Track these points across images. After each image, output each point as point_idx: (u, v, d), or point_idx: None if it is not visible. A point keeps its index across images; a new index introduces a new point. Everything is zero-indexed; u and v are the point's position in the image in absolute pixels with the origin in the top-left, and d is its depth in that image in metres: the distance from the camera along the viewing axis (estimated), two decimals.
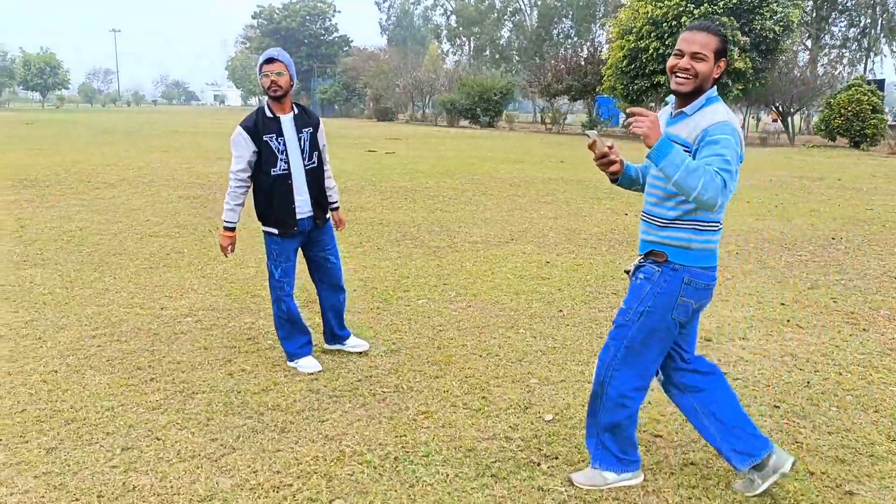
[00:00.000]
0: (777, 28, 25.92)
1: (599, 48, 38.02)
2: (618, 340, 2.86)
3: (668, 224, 2.75)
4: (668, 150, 2.48)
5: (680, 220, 2.73)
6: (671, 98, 2.82)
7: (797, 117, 32.81)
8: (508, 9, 65.62)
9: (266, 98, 4.06)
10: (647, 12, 26.79)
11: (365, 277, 6.46)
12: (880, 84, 30.37)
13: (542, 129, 41.78)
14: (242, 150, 4.01)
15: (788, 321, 5.27)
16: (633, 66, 28.16)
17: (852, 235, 8.68)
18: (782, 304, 5.72)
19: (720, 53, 2.67)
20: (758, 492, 2.85)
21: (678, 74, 2.70)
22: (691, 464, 3.15)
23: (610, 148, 2.83)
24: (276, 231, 4.11)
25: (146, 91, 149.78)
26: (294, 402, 3.75)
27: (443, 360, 4.39)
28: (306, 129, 4.13)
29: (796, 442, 3.39)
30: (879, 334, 5.03)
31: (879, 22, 42.78)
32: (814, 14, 40.81)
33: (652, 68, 27.44)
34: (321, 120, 4.33)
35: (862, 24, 43.15)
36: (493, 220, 9.53)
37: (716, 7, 25.71)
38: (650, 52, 26.95)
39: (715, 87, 2.73)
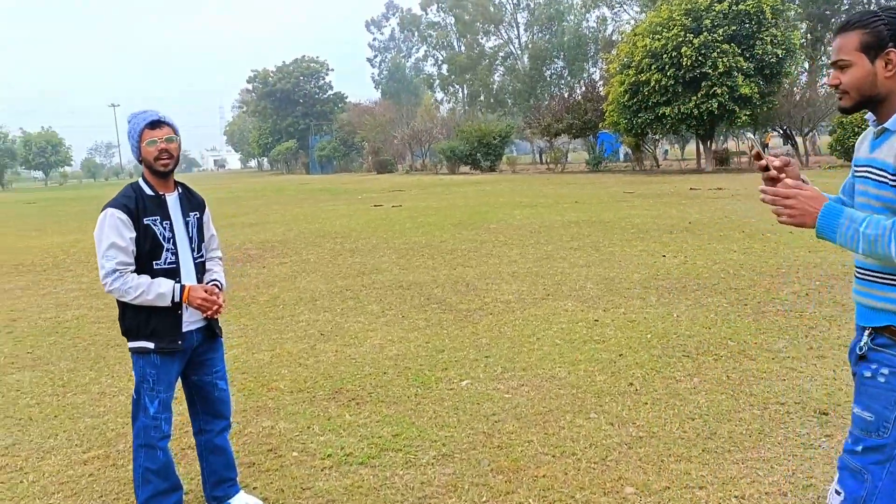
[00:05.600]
0: (779, 51, 25.53)
1: (596, 85, 37.80)
2: (878, 465, 2.04)
3: None
4: (834, 223, 1.98)
5: None
6: (870, 115, 2.14)
7: (801, 139, 32.28)
8: (500, 54, 65.99)
9: (144, 172, 3.11)
10: (646, 45, 26.47)
11: (395, 355, 5.68)
12: None
13: (543, 169, 41.37)
14: (118, 237, 2.96)
15: None
16: (634, 99, 27.74)
17: None
18: None
19: (873, 46, 1.99)
20: None
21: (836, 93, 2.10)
22: None
23: (778, 168, 2.07)
24: (152, 346, 3.04)
25: None
26: None
27: (509, 465, 3.58)
28: (193, 214, 3.21)
29: None
30: None
31: None
32: (808, 36, 40.65)
33: (655, 100, 27.01)
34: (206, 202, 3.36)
35: None
36: (521, 273, 8.77)
37: (715, 35, 25.38)
38: (652, 84, 26.55)
39: None
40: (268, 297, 8.22)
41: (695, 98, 26.11)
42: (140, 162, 3.11)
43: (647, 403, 4.30)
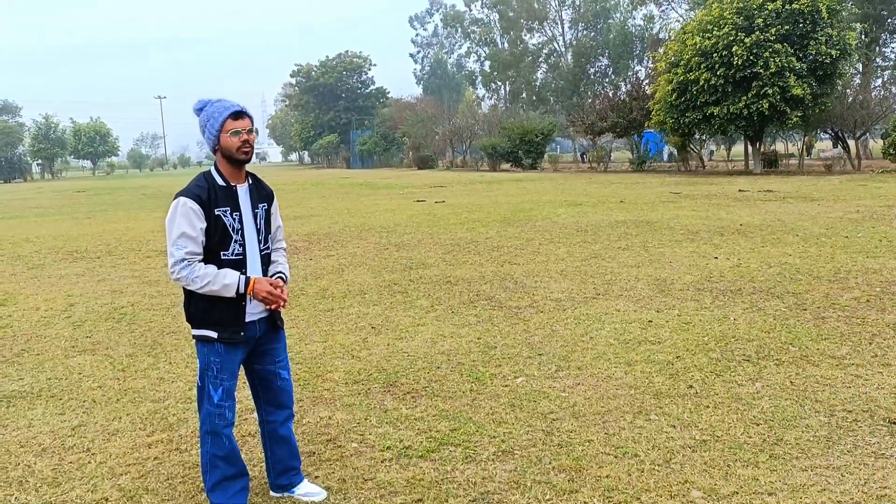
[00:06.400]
0: (833, 52, 24.85)
1: (642, 83, 37.30)
2: None
3: None
4: None
5: None
6: None
7: (852, 142, 31.40)
8: (543, 51, 65.55)
9: (217, 162, 3.13)
10: (696, 43, 26.00)
11: (447, 350, 5.68)
12: None
13: (584, 168, 41.00)
14: (189, 226, 2.98)
15: None
16: (682, 99, 27.27)
17: None
18: None
19: None
20: None
21: None
22: None
23: None
24: (215, 336, 3.08)
25: (192, 152, 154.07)
26: None
27: (570, 464, 3.56)
28: (262, 205, 3.23)
29: None
30: None
31: None
32: (863, 37, 39.53)
33: (703, 100, 26.50)
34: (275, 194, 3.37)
35: None
36: (569, 272, 8.70)
37: (767, 35, 24.81)
38: (701, 83, 26.05)
39: None
40: (317, 290, 8.29)
41: (745, 98, 25.57)
42: (214, 151, 3.13)
43: (708, 407, 4.23)
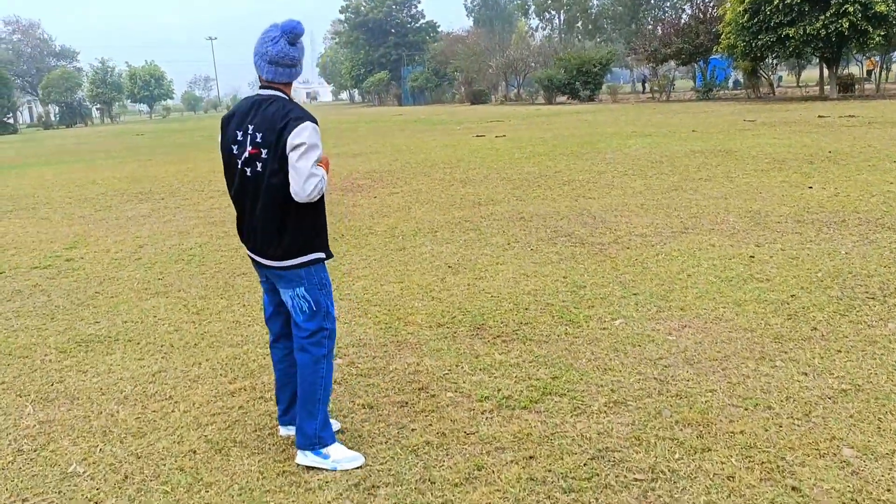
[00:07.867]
0: None
1: (709, 5, 35.27)
2: None
3: None
4: None
5: None
6: None
7: None
8: None
9: (288, 93, 3.16)
10: None
11: (532, 290, 5.32)
12: None
13: (644, 98, 39.42)
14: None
15: None
16: (755, 20, 25.64)
17: None
18: None
19: None
20: None
21: None
22: None
23: None
24: (324, 256, 3.05)
25: (243, 93, 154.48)
26: (517, 503, 2.65)
27: (695, 418, 3.19)
28: None
29: None
30: None
31: None
32: None
33: (778, 20, 24.86)
34: None
35: None
36: (650, 205, 8.18)
37: None
38: (775, 2, 24.40)
39: None
40: (385, 228, 8.00)
41: (823, 18, 23.86)
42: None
43: (840, 351, 3.79)
